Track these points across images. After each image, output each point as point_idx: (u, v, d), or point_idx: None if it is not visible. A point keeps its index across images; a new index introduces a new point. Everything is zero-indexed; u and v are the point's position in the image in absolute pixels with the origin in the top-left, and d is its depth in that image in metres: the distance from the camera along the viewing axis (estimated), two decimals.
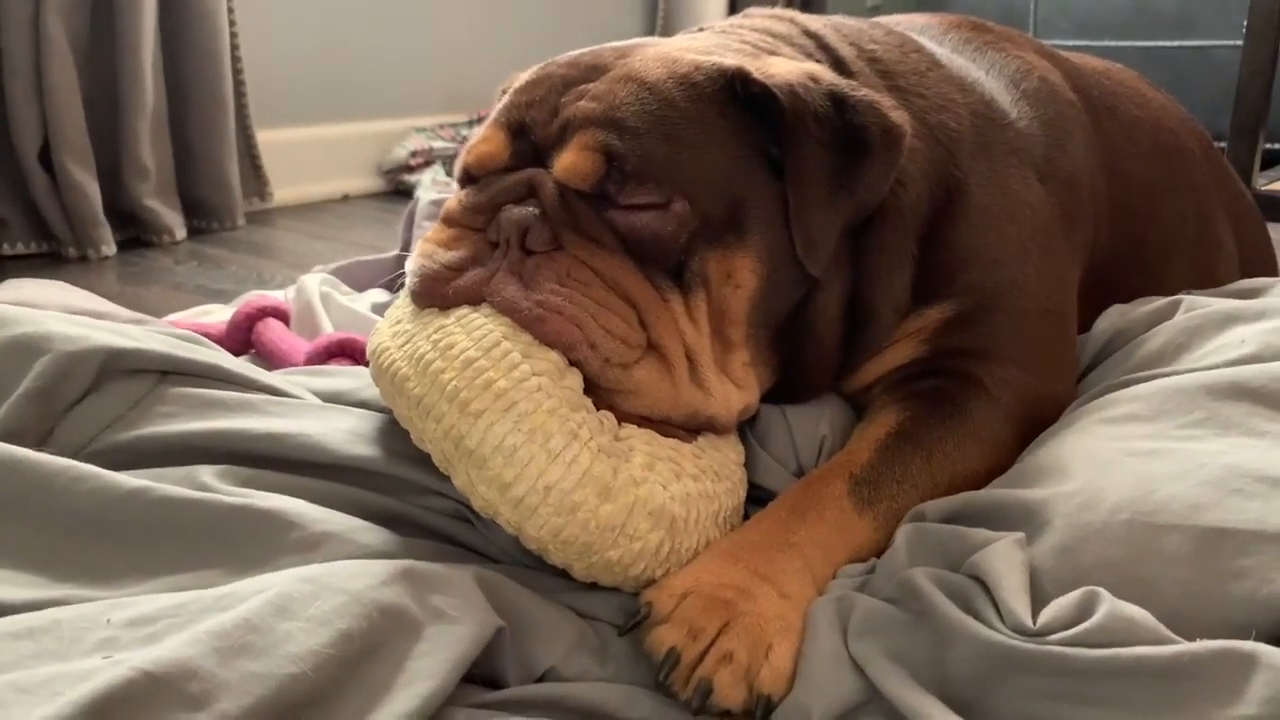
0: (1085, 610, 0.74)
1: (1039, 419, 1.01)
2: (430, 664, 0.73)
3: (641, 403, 0.89)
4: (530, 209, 0.90)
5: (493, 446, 0.81)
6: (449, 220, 0.95)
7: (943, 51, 1.15)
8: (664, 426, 0.90)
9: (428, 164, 3.12)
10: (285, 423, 0.96)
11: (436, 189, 2.97)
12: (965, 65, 1.15)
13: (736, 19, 1.13)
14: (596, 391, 0.87)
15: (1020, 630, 0.74)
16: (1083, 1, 3.47)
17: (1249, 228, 1.51)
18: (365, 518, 0.89)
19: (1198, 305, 1.08)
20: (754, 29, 1.08)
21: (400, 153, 3.08)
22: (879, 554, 0.92)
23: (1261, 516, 0.79)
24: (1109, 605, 0.73)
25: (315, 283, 1.56)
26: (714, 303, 0.92)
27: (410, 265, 0.94)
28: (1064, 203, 1.12)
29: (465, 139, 3.23)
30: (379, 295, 1.64)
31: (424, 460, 0.91)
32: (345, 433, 0.96)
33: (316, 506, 0.87)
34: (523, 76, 1.02)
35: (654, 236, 0.89)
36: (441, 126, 3.23)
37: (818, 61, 1.03)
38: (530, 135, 0.94)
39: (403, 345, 0.89)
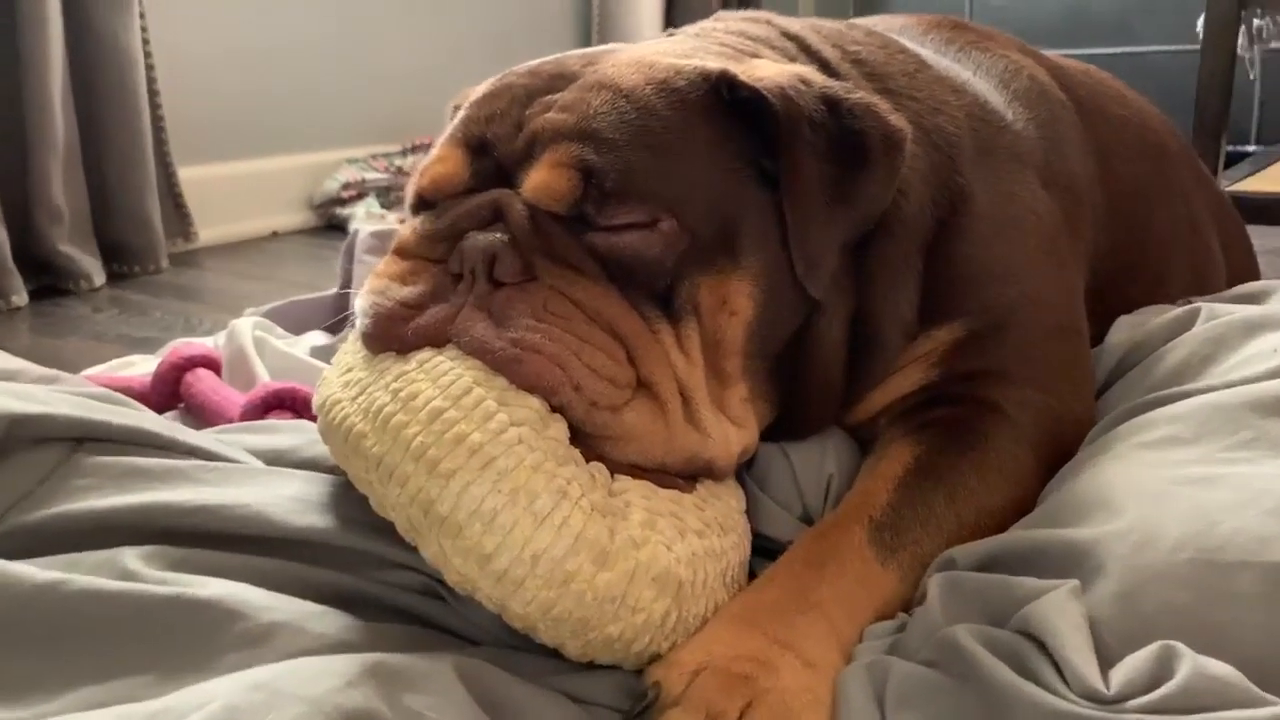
0: (1163, 669, 0.65)
1: (1061, 444, 0.92)
2: None
3: (634, 449, 0.78)
4: (497, 235, 0.79)
5: (469, 512, 0.70)
6: (403, 252, 0.84)
7: (927, 52, 1.07)
8: (660, 475, 0.80)
9: (361, 196, 2.99)
10: (221, 492, 0.83)
11: (372, 221, 2.84)
12: (952, 66, 1.07)
13: (707, 23, 1.04)
14: (583, 440, 0.77)
15: (1091, 697, 0.65)
16: (1020, 9, 3.46)
17: (1230, 229, 1.46)
18: (320, 600, 0.77)
19: (1218, 313, 1.00)
20: (730, 32, 0.98)
21: (331, 185, 2.95)
22: (905, 607, 0.82)
23: None
24: (1191, 663, 0.64)
25: (248, 327, 1.43)
26: (707, 332, 0.82)
27: (360, 304, 0.82)
28: (1067, 209, 1.04)
29: (400, 169, 3.12)
30: (318, 338, 1.52)
31: (386, 529, 0.79)
32: (291, 500, 0.83)
33: (262, 591, 0.74)
34: (478, 89, 0.92)
35: (639, 260, 0.79)
36: (374, 157, 3.10)
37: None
38: (492, 152, 0.83)
39: (356, 397, 0.77)
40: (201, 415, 1.26)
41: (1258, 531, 0.72)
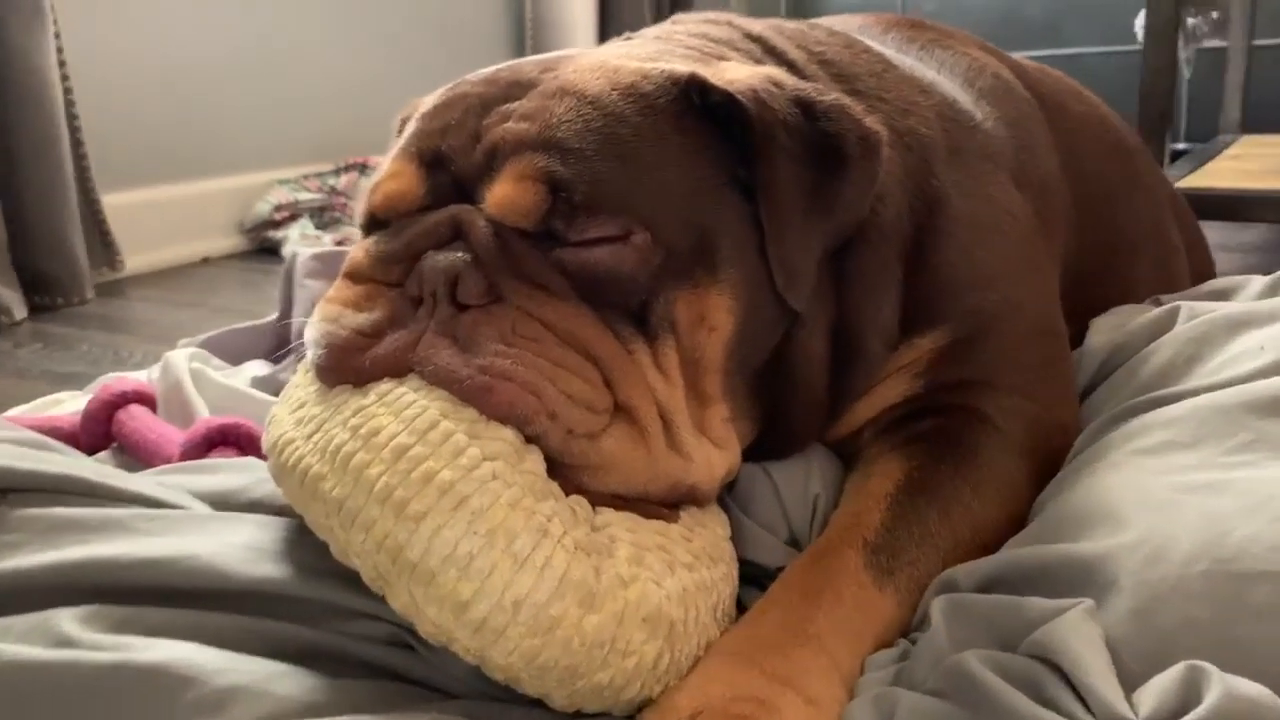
0: (1192, 691, 0.61)
1: (1050, 452, 0.89)
2: None
3: (614, 478, 0.73)
4: (458, 254, 0.74)
5: (442, 557, 0.64)
6: (355, 275, 0.78)
7: (890, 52, 1.03)
8: (642, 505, 0.75)
9: (294, 218, 2.91)
10: (165, 543, 0.76)
11: (307, 243, 2.76)
12: (916, 65, 1.03)
13: (665, 26, 0.99)
14: (560, 471, 0.71)
15: None
16: (951, 12, 3.48)
17: (1187, 225, 1.45)
18: (280, 657, 0.71)
19: (1198, 312, 0.97)
20: (691, 34, 0.94)
21: (263, 208, 2.86)
22: (904, 632, 0.78)
23: None
24: (1221, 684, 0.60)
25: (183, 359, 1.35)
26: (685, 350, 0.77)
27: (311, 334, 0.76)
28: (1040, 209, 1.01)
29: (334, 189, 3.04)
30: (259, 368, 1.44)
31: (348, 576, 0.73)
32: (243, 549, 0.77)
33: (216, 651, 0.68)
34: (428, 100, 0.86)
35: (612, 277, 0.74)
36: (306, 177, 3.02)
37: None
38: (449, 166, 0.78)
39: (312, 435, 0.71)
40: (137, 455, 1.18)
41: (1271, 539, 0.69)
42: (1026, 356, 0.91)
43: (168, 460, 1.12)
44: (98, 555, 0.75)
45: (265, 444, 0.77)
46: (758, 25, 0.97)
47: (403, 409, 0.69)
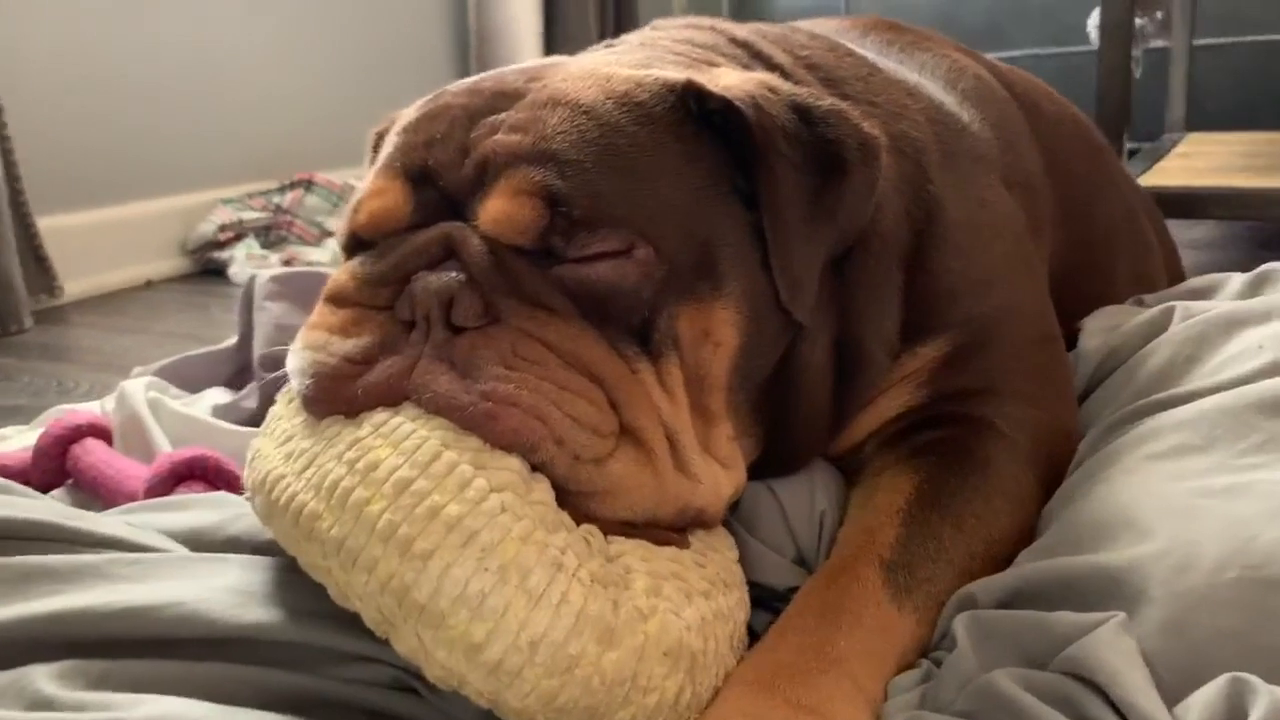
0: (1237, 705, 0.60)
1: (1056, 459, 0.87)
2: None
3: (622, 504, 0.70)
4: (452, 274, 0.70)
5: (452, 597, 0.60)
6: (340, 299, 0.74)
7: (871, 55, 1.02)
8: (651, 531, 0.71)
9: (239, 238, 2.83)
10: (146, 589, 0.72)
11: (253, 264, 2.69)
12: (899, 68, 1.02)
13: (647, 32, 0.96)
14: (566, 499, 0.68)
15: None
16: (890, 15, 3.49)
17: (1155, 222, 1.45)
18: (277, 707, 0.67)
19: (1193, 311, 0.97)
20: (676, 40, 0.91)
21: (207, 228, 2.79)
22: (924, 652, 0.75)
23: None
24: (1269, 696, 0.59)
25: (140, 388, 1.29)
26: (689, 368, 0.74)
27: (295, 363, 0.72)
28: (1028, 210, 1.00)
29: (279, 207, 2.97)
30: (219, 395, 1.38)
31: (344, 617, 0.69)
32: (230, 592, 0.72)
33: (208, 705, 0.63)
34: (407, 113, 0.82)
35: (614, 293, 0.71)
36: (251, 196, 2.94)
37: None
38: (437, 182, 0.74)
39: (304, 470, 0.67)
40: (96, 493, 1.13)
41: None
42: (1029, 362, 0.89)
43: (130, 497, 1.07)
44: (73, 606, 0.70)
45: (249, 480, 0.72)
46: (742, 30, 0.95)
47: (402, 440, 0.65)
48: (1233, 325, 0.92)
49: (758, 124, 0.75)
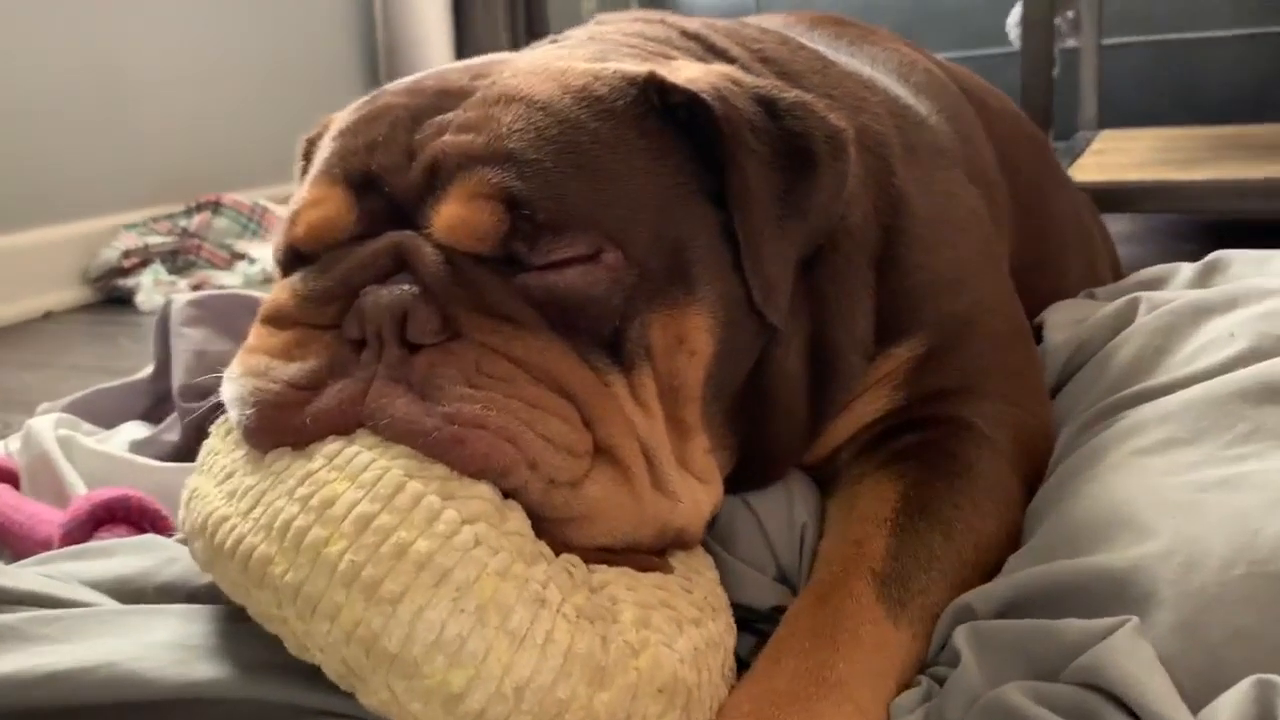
0: (1267, 708, 0.57)
1: (1035, 458, 0.84)
2: None
3: (600, 529, 0.65)
4: (404, 287, 0.64)
5: (427, 643, 0.55)
6: (278, 320, 0.68)
7: (822, 48, 0.98)
8: (631, 556, 0.66)
9: (144, 264, 2.71)
10: (71, 650, 0.64)
11: (161, 291, 2.57)
12: (851, 61, 0.98)
13: (592, 27, 0.91)
14: (541, 526, 0.62)
15: None
16: (810, 4, 3.50)
17: (1092, 217, 1.45)
18: None
19: (1157, 302, 0.95)
20: (627, 34, 0.86)
21: (110, 255, 2.66)
22: (921, 669, 0.72)
23: None
24: None
25: (48, 426, 1.20)
26: (663, 378, 0.69)
27: (232, 391, 0.66)
28: (988, 205, 0.97)
29: (185, 230, 2.85)
30: (136, 430, 1.29)
31: (303, 670, 0.63)
32: (169, 648, 0.65)
33: None
34: (343, 116, 0.76)
35: (582, 301, 0.66)
36: (155, 220, 2.82)
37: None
38: (381, 188, 0.68)
39: (250, 510, 0.60)
40: (4, 542, 1.04)
41: None
42: (1003, 359, 0.87)
43: (44, 545, 0.98)
44: None
45: (186, 523, 0.65)
46: (693, 23, 0.91)
47: (360, 471, 0.59)
48: (1200, 314, 0.91)
49: (724, 117, 0.70)
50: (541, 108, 0.68)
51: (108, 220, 2.75)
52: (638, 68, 0.73)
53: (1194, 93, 3.15)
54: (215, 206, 2.88)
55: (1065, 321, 1.00)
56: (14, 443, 1.25)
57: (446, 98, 0.72)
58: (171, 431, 1.24)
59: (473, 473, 0.60)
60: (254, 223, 2.91)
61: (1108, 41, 2.97)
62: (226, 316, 1.32)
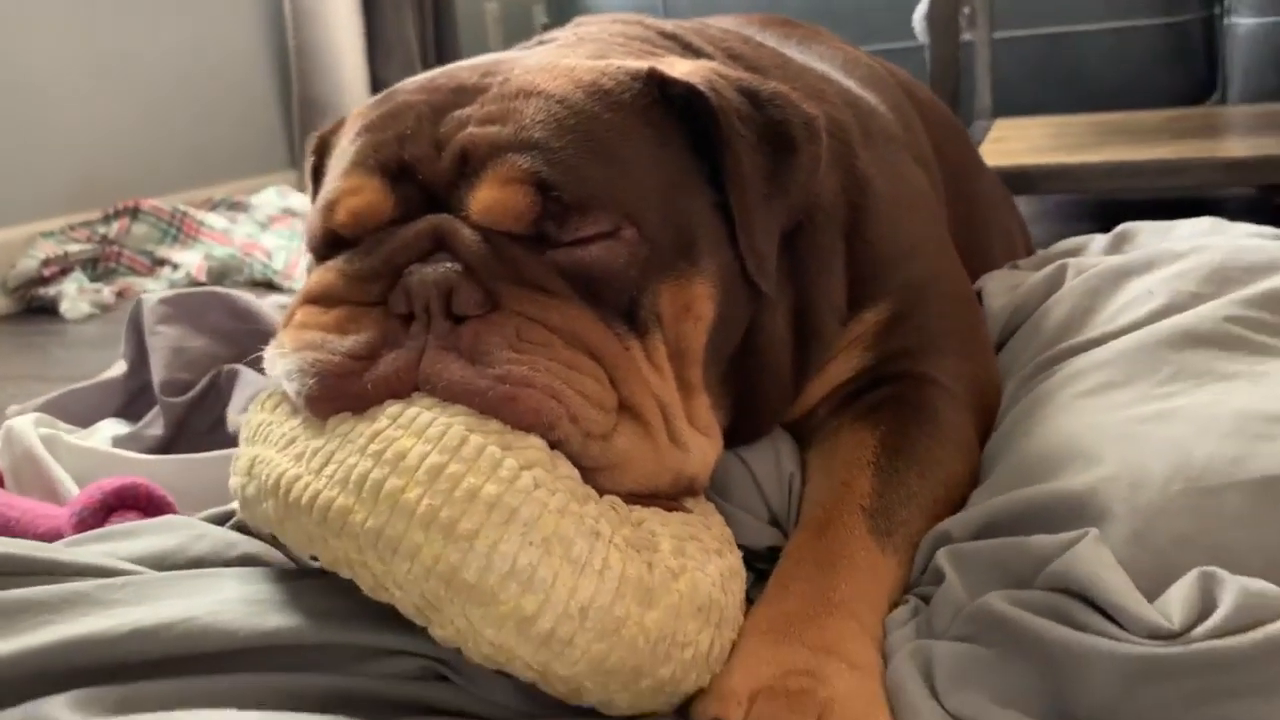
0: (1209, 596, 0.67)
1: (988, 406, 0.95)
2: None
3: (628, 476, 0.72)
4: (447, 265, 0.71)
5: (502, 573, 0.62)
6: (326, 299, 0.74)
7: (775, 45, 1.07)
8: (653, 500, 0.74)
9: (64, 273, 2.67)
10: (148, 610, 0.69)
11: (85, 299, 2.55)
12: (803, 57, 1.08)
13: (571, 29, 0.99)
14: (580, 474, 0.70)
15: (1157, 634, 0.66)
16: (716, 6, 3.61)
17: (1006, 200, 1.58)
18: (306, 710, 0.65)
19: (1083, 268, 1.06)
20: (611, 34, 0.94)
21: (29, 264, 2.62)
22: (906, 590, 0.81)
23: None
24: (1235, 584, 0.67)
25: (29, 425, 1.22)
26: (671, 342, 0.77)
27: (292, 364, 0.71)
28: (931, 186, 1.08)
29: (105, 237, 2.82)
30: (114, 427, 1.32)
31: (364, 615, 0.70)
32: (240, 602, 0.71)
33: (252, 713, 0.62)
34: (364, 114, 0.83)
35: (605, 273, 0.73)
36: (73, 227, 2.78)
37: None
38: (415, 176, 0.75)
39: (323, 468, 0.66)
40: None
41: (1227, 455, 0.77)
42: (956, 320, 0.97)
43: (49, 537, 1.02)
44: (74, 634, 0.67)
45: (250, 489, 0.71)
46: (667, 24, 0.99)
47: (424, 428, 0.65)
48: (1120, 276, 1.03)
49: (719, 107, 0.79)
50: (559, 101, 0.76)
51: (22, 229, 2.71)
52: (639, 64, 0.81)
53: (1077, 82, 3.35)
54: (134, 212, 2.86)
55: (1002, 288, 1.11)
56: None
57: (462, 94, 0.79)
58: (154, 426, 1.27)
59: (524, 426, 0.67)
60: (174, 228, 2.89)
61: (999, 35, 3.14)
62: (197, 314, 1.36)
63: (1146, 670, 0.65)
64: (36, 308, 2.64)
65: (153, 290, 2.69)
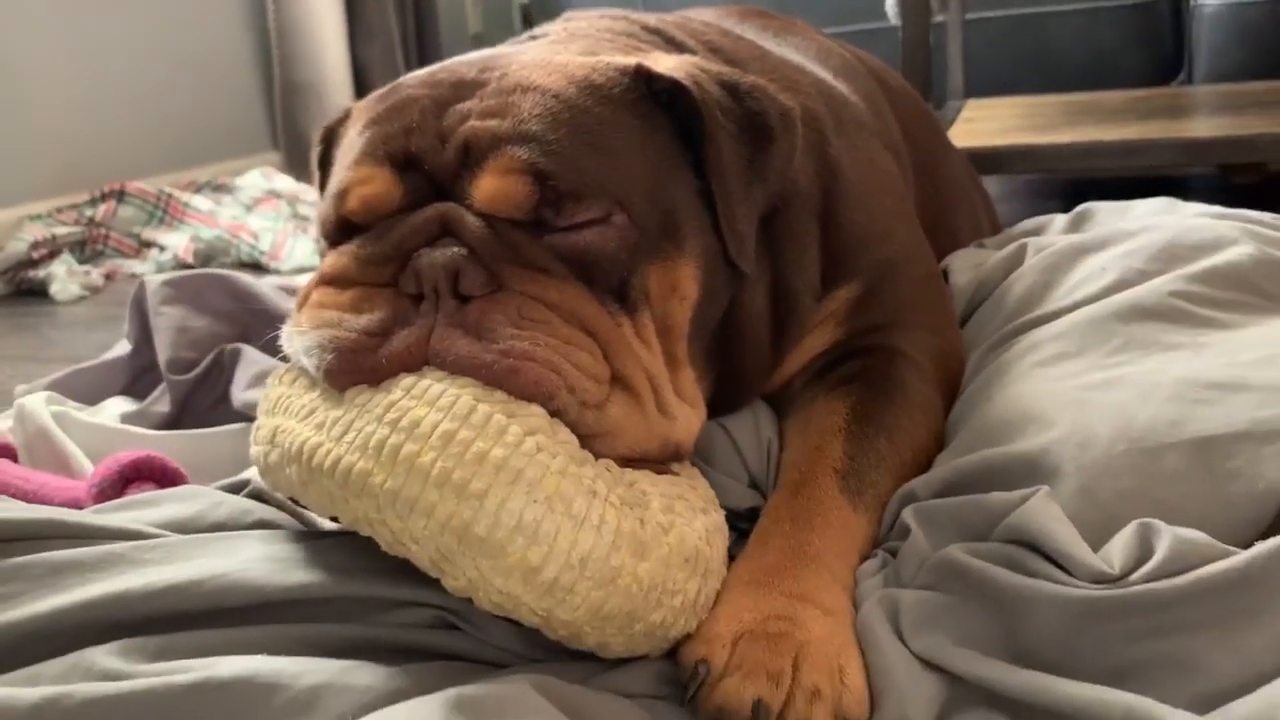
0: (1146, 544, 0.75)
1: (952, 376, 1.02)
2: None
3: (620, 443, 0.79)
4: (454, 249, 0.77)
5: (509, 528, 0.68)
6: (341, 280, 0.80)
7: (753, 38, 1.14)
8: (643, 464, 0.81)
9: (53, 255, 2.71)
10: (186, 568, 0.76)
11: (75, 281, 2.59)
12: (780, 49, 1.14)
13: (561, 24, 1.04)
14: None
15: (1099, 579, 0.73)
16: (673, 3, 3.65)
17: (973, 180, 1.64)
18: (329, 656, 0.72)
19: (1042, 246, 1.14)
20: (600, 30, 1.00)
21: (18, 246, 2.65)
22: (875, 546, 0.88)
23: (1227, 419, 0.83)
24: (1169, 533, 0.74)
25: (40, 403, 1.28)
26: (659, 320, 0.84)
27: (311, 341, 0.77)
28: (900, 171, 1.14)
29: (92, 220, 2.85)
30: (121, 404, 1.38)
31: (379, 570, 0.76)
32: (265, 560, 0.77)
33: (285, 658, 0.69)
34: (368, 107, 0.88)
35: (597, 256, 0.80)
36: (59, 210, 2.81)
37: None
38: (421, 167, 0.81)
39: (343, 435, 0.72)
40: None
41: (1166, 418, 0.84)
42: (923, 297, 1.04)
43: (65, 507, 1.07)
44: (112, 590, 0.74)
45: (272, 456, 0.77)
46: (651, 19, 1.05)
47: (436, 398, 0.72)
48: (1077, 254, 1.10)
49: (702, 100, 0.85)
50: (554, 96, 0.82)
51: (11, 212, 2.74)
52: (626, 60, 0.87)
53: (1047, 62, 3.42)
54: (120, 195, 2.89)
55: (966, 266, 1.18)
56: (4, 421, 1.32)
57: (462, 88, 0.85)
58: (160, 403, 1.33)
59: (526, 396, 0.73)
60: (160, 210, 2.93)
61: (970, 16, 3.20)
62: (199, 295, 1.41)
63: (1089, 611, 0.72)
64: (26, 290, 2.67)
65: (141, 272, 2.74)
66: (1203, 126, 2.27)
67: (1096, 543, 0.78)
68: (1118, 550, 0.75)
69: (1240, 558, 0.72)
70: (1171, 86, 3.20)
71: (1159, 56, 3.31)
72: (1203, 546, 0.73)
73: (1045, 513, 0.78)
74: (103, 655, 0.69)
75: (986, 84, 3.31)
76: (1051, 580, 0.75)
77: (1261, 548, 0.72)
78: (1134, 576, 0.72)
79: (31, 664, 0.70)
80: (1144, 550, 0.74)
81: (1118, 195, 1.34)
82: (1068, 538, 0.76)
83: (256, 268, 2.69)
